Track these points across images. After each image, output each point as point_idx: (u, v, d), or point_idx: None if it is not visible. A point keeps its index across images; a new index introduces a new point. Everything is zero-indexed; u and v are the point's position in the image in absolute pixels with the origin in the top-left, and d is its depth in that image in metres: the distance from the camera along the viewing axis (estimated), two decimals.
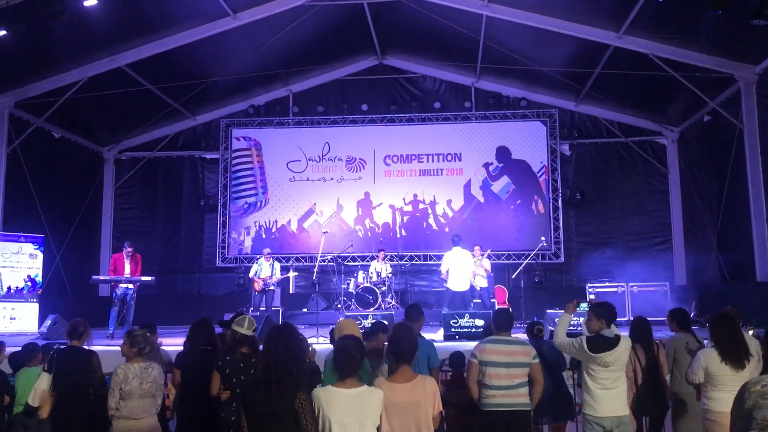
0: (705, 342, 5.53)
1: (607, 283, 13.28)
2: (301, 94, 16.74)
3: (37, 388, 5.15)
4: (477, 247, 12.62)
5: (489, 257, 13.01)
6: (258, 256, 13.48)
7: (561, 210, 15.67)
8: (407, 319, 5.82)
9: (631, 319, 6.87)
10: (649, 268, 13.15)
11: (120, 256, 11.48)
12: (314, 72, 16.29)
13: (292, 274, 14.10)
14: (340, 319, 7.30)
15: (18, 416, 5.53)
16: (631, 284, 13.05)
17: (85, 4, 9.81)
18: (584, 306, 7.32)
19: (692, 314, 11.59)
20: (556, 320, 5.53)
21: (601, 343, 4.78)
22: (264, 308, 12.42)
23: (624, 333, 5.13)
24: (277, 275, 12.85)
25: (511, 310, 12.07)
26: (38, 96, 12.89)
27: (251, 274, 12.95)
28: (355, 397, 3.71)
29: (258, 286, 12.70)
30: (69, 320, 5.84)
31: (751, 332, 7.05)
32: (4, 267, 12.34)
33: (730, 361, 4.66)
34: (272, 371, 3.64)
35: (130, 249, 11.42)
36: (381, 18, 14.01)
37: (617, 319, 5.23)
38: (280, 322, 8.89)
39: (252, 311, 12.13)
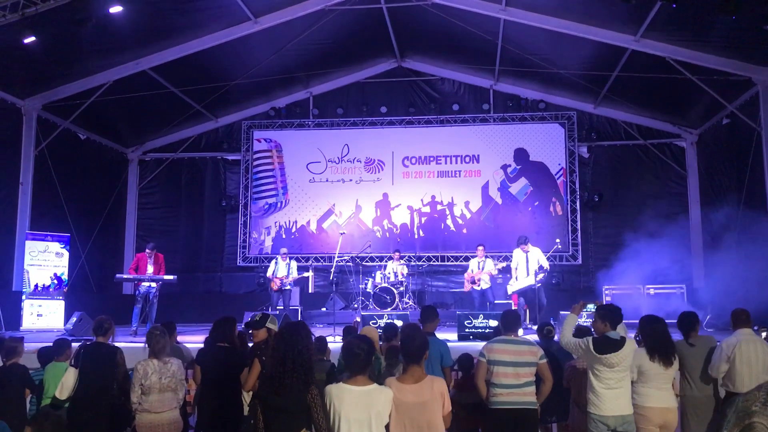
0: (718, 342, 5.63)
1: (623, 285, 13.26)
2: (321, 96, 16.95)
3: (64, 382, 5.37)
4: (480, 248, 12.32)
5: (487, 257, 12.45)
6: (276, 256, 13.69)
7: (579, 212, 15.69)
8: (421, 320, 5.97)
9: None
10: (666, 270, 13.07)
11: (143, 256, 11.61)
12: (334, 74, 16.48)
13: (309, 274, 14.27)
14: (365, 326, 7.64)
15: (45, 408, 5.75)
16: (647, 286, 13.03)
17: (111, 10, 10.09)
18: (591, 307, 7.40)
19: (706, 318, 11.61)
20: None
21: (607, 345, 4.90)
22: (282, 307, 12.60)
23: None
24: (294, 275, 12.98)
25: (527, 311, 12.22)
26: (65, 99, 13.24)
27: (268, 274, 13.09)
28: (364, 395, 3.81)
29: (275, 285, 12.85)
30: (94, 317, 6.05)
31: (764, 335, 7.11)
32: (31, 265, 12.69)
33: (659, 359, 5.02)
34: (284, 367, 3.79)
35: (150, 250, 11.53)
36: (400, 21, 14.16)
37: (634, 321, 5.44)
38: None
39: (270, 310, 12.35)
